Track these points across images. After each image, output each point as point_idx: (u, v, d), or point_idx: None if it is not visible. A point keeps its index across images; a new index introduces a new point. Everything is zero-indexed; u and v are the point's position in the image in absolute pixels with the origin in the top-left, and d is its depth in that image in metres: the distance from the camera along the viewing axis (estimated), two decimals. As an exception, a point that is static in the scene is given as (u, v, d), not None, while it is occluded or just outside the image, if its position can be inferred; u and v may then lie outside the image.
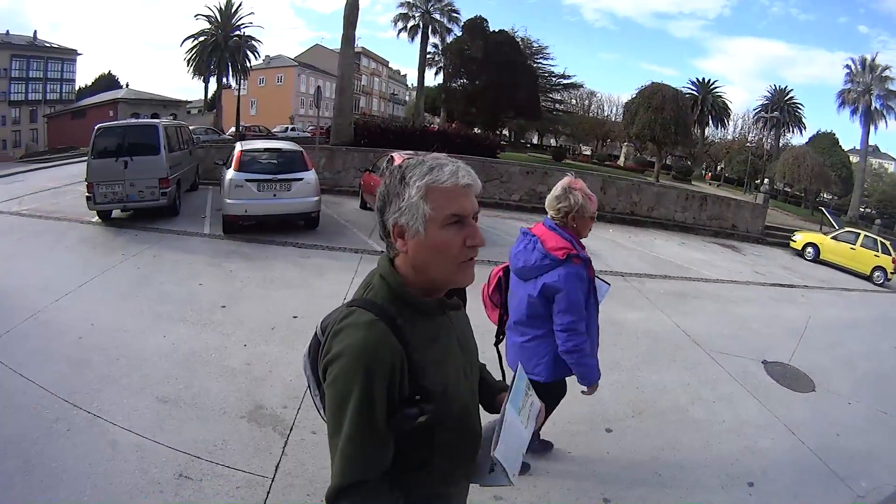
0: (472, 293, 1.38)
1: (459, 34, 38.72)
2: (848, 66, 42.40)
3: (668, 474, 3.67)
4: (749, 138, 51.13)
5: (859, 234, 18.90)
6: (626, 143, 44.16)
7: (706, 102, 48.21)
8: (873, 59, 40.93)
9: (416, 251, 1.14)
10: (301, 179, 8.74)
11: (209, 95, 44.82)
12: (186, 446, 3.20)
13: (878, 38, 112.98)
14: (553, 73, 52.56)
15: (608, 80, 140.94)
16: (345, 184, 15.25)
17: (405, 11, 48.11)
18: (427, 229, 1.11)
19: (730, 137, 54.79)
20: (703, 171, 53.63)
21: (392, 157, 10.47)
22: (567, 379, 2.89)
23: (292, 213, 8.82)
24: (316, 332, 1.27)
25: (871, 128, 40.96)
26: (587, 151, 56.15)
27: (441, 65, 41.13)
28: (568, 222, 2.62)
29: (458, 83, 37.48)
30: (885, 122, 40.80)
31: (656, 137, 28.42)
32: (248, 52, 42.45)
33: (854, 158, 62.76)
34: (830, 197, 46.31)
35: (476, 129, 35.42)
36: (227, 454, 3.18)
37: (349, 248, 8.57)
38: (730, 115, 51.21)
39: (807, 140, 49.81)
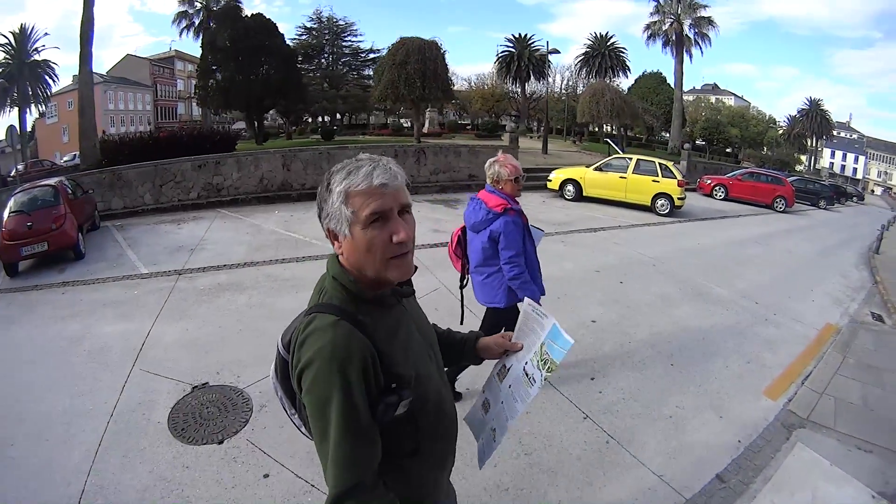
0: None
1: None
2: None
3: None
4: (580, 89, 47.25)
5: (631, 158, 13.96)
6: (428, 110, 38.48)
7: (522, 58, 43.55)
8: (681, -11, 38.43)
9: (348, 252, 1.13)
10: None
11: (27, 129, 42.64)
12: None
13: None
14: (361, 49, 49.89)
15: (456, 53, 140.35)
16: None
17: (184, 9, 41.87)
18: (352, 232, 1.10)
19: (558, 90, 51.03)
20: (532, 126, 50.11)
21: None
22: None
23: None
24: (278, 350, 1.25)
25: (687, 57, 37.75)
26: (407, 123, 51.47)
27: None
28: (496, 186, 3.31)
29: (213, 78, 31.29)
30: (701, 50, 38.25)
31: (401, 95, 22.92)
32: (47, 78, 40.88)
33: (689, 97, 62.26)
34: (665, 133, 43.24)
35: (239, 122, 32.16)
36: None
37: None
38: (549, 68, 46.54)
39: (633, 81, 47.56)
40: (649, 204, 13.12)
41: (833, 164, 75.31)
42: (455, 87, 58.02)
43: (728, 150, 52.80)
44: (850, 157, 75.45)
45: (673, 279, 7.46)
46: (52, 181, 8.97)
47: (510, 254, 3.23)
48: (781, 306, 6.80)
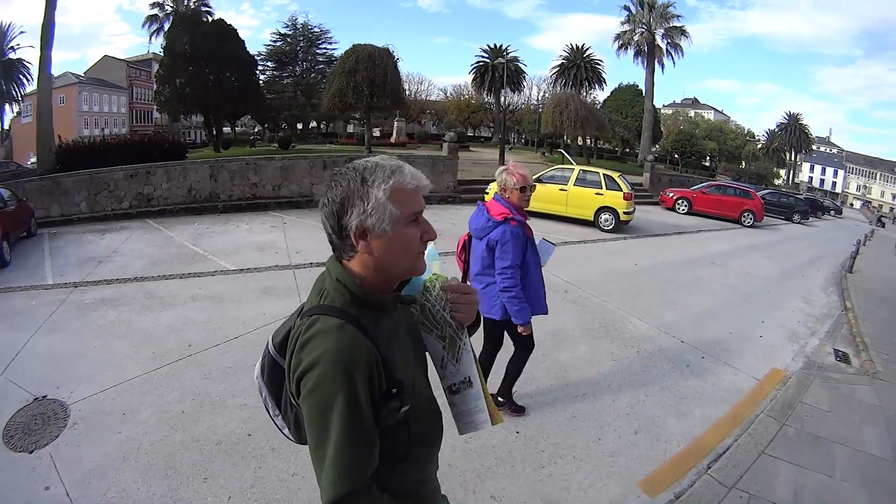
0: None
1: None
2: (627, 9, 39.08)
3: None
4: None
5: (573, 169, 12.59)
6: (396, 120, 38.36)
7: (497, 69, 42.48)
8: (654, -2, 37.64)
9: (381, 249, 1.11)
10: None
11: (3, 127, 43.31)
12: None
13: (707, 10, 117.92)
14: (335, 57, 47.03)
15: (440, 64, 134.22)
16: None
17: (154, 13, 40.71)
18: (394, 228, 1.09)
19: (535, 102, 50.58)
20: (511, 138, 49.51)
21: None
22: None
23: None
24: (268, 350, 1.26)
25: (659, 68, 36.83)
26: (377, 133, 50.61)
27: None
28: (503, 194, 3.18)
29: (172, 83, 30.11)
30: (673, 60, 37.30)
31: (349, 104, 21.66)
32: (22, 77, 40.43)
33: (668, 111, 61.90)
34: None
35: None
36: None
37: None
38: (523, 79, 46.78)
39: (609, 94, 46.72)
40: (592, 219, 11.71)
41: (812, 178, 75.17)
42: (432, 98, 57.71)
43: (706, 163, 52.12)
44: (830, 171, 75.42)
45: (582, 309, 5.93)
46: None
47: (504, 265, 3.11)
48: (716, 345, 5.32)
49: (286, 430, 1.25)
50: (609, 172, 12.32)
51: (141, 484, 2.77)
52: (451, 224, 10.76)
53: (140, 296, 5.94)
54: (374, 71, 21.16)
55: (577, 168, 12.49)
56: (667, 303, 6.60)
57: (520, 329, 3.22)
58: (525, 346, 3.46)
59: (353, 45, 23.00)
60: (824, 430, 3.74)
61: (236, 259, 7.63)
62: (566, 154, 16.92)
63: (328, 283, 1.14)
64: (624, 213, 11.48)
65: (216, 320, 5.08)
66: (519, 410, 3.65)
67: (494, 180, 11.45)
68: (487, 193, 13.06)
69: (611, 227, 11.49)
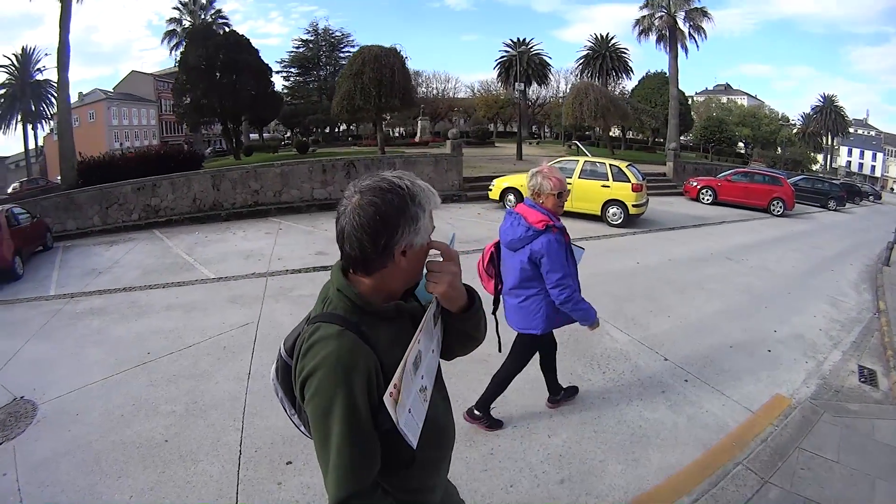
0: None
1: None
2: (646, -9, 37.02)
3: None
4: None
5: (578, 160, 11.94)
6: (420, 119, 38.55)
7: (521, 61, 41.47)
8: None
9: (413, 261, 1.15)
10: None
11: (38, 144, 45.55)
12: None
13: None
14: None
15: (468, 61, 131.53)
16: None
17: (172, 28, 41.37)
18: (426, 242, 1.16)
19: (563, 95, 49.61)
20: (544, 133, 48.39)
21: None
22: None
23: None
24: (280, 354, 1.28)
25: (682, 52, 34.74)
26: (402, 132, 50.90)
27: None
28: (536, 199, 3.01)
29: (189, 95, 30.92)
30: (696, 44, 35.08)
31: (357, 106, 21.44)
32: (51, 97, 41.64)
33: (700, 98, 59.49)
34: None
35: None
36: None
37: None
38: (549, 71, 46.98)
39: (636, 83, 45.20)
40: (599, 213, 10.98)
41: (850, 162, 71.23)
42: (460, 96, 57.13)
43: (740, 150, 49.83)
44: (868, 154, 71.34)
45: (556, 323, 5.17)
46: None
47: (558, 276, 2.91)
48: (708, 363, 4.52)
49: (302, 429, 1.26)
50: (616, 162, 11.50)
51: (71, 477, 2.99)
52: (447, 224, 10.18)
53: (124, 305, 6.17)
54: (380, 72, 20.83)
55: (582, 159, 11.75)
56: (660, 309, 5.80)
57: (590, 328, 3.12)
58: (522, 358, 3.30)
59: (360, 48, 23.09)
60: (822, 489, 2.85)
61: (219, 267, 7.72)
62: (580, 145, 16.09)
63: (331, 291, 1.16)
64: (633, 205, 10.69)
65: (180, 329, 5.25)
66: (495, 425, 3.37)
67: (500, 176, 10.65)
68: (491, 190, 12.47)
69: (619, 221, 10.75)
